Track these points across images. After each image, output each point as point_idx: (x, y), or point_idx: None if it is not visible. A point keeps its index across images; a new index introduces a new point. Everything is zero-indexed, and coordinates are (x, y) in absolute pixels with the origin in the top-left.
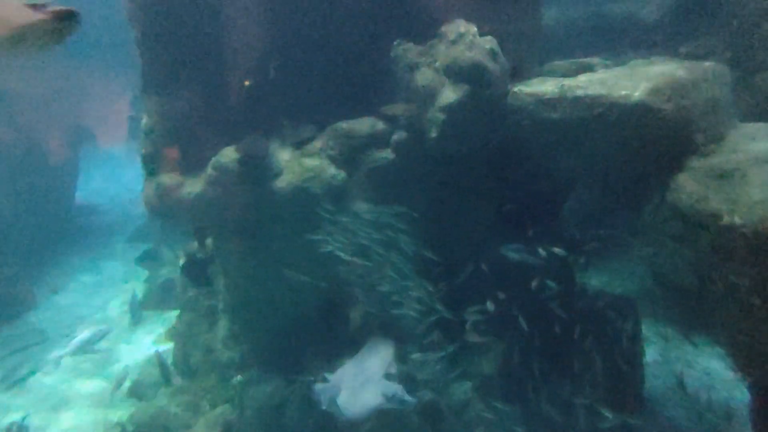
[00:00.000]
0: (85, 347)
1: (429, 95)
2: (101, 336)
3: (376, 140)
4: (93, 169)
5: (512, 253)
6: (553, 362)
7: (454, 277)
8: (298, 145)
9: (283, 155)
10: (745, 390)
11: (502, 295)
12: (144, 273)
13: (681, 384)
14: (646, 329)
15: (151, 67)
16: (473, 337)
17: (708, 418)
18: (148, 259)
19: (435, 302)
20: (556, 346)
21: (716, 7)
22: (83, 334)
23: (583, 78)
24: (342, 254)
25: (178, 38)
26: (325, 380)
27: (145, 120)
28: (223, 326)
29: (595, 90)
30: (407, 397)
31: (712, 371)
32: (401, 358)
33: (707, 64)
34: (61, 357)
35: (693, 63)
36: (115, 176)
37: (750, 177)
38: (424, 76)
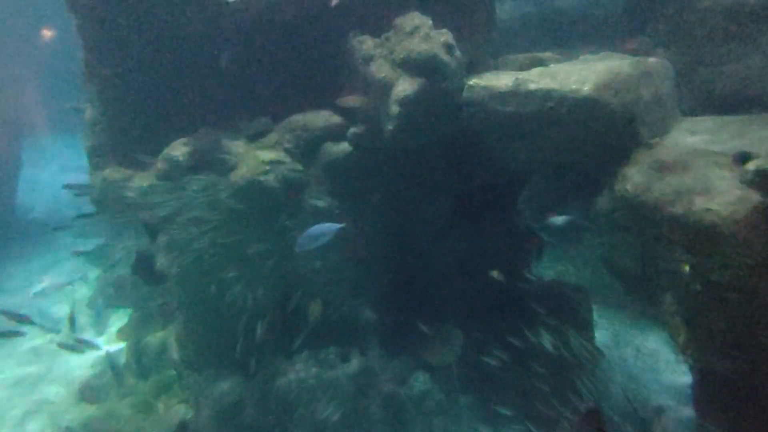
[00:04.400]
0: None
1: (385, 88)
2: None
3: (333, 133)
4: (40, 161)
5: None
6: (509, 350)
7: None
8: (253, 138)
9: (238, 148)
10: (689, 372)
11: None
12: (93, 270)
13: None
14: (598, 315)
15: (94, 56)
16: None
17: (653, 399)
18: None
19: None
20: (514, 335)
21: (661, 6)
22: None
23: (535, 72)
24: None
25: (123, 25)
26: None
27: (88, 111)
28: (177, 324)
29: (546, 84)
30: None
31: (659, 354)
32: (363, 352)
33: (652, 59)
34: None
35: (639, 59)
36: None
37: (691, 169)
38: (379, 69)
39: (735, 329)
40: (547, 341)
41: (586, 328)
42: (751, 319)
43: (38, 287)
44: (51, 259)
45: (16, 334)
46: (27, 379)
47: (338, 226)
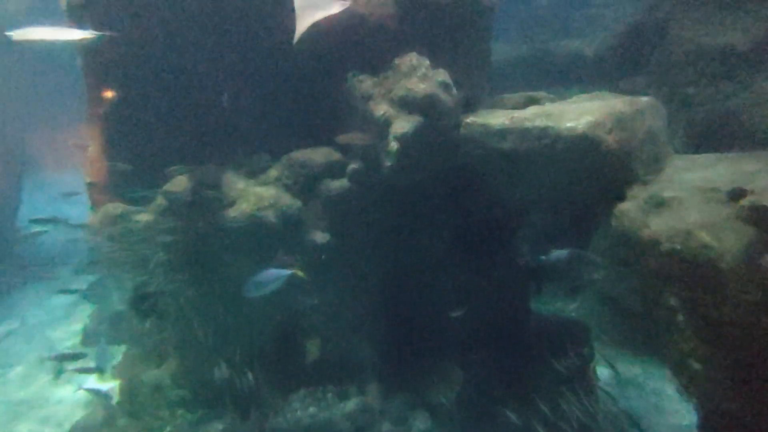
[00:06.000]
0: None
1: (383, 125)
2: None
3: (332, 169)
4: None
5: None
6: (509, 388)
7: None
8: (253, 174)
9: (237, 184)
10: (694, 411)
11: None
12: (90, 307)
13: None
14: (599, 353)
15: (98, 94)
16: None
17: None
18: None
19: None
20: (513, 372)
21: (652, 47)
22: None
23: (530, 110)
24: None
25: (127, 64)
26: None
27: (91, 148)
28: (172, 362)
29: (542, 122)
30: None
31: (663, 393)
32: (361, 390)
33: (644, 98)
34: None
35: (631, 98)
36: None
37: (686, 205)
38: (378, 107)
39: (739, 367)
40: (575, 409)
41: (587, 365)
42: (754, 356)
43: None
44: (48, 294)
45: (94, 370)
46: (17, 418)
47: (288, 272)
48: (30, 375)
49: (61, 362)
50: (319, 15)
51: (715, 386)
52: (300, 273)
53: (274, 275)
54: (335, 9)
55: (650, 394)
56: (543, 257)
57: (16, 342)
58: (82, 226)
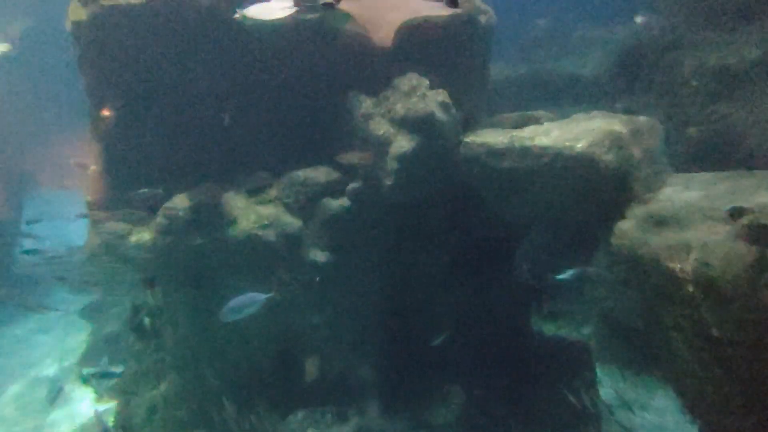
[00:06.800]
0: None
1: (383, 145)
2: None
3: (332, 188)
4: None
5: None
6: (511, 409)
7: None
8: (253, 192)
9: (238, 203)
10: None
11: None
12: (87, 325)
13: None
14: (601, 372)
15: (100, 112)
16: None
17: None
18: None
19: None
20: (515, 393)
21: (648, 67)
22: None
23: (529, 129)
24: None
25: (130, 84)
26: None
27: (92, 167)
28: (170, 382)
29: (541, 141)
30: None
31: (666, 413)
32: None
33: (641, 118)
34: None
35: (629, 117)
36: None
37: (686, 224)
38: (378, 126)
39: (742, 386)
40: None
41: (589, 386)
42: (756, 375)
43: None
44: (45, 317)
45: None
46: None
47: (264, 296)
48: (24, 396)
49: (99, 380)
50: (265, 17)
51: (717, 405)
52: (278, 296)
53: (251, 299)
54: (280, 14)
55: (653, 413)
56: (559, 276)
57: (8, 364)
58: (45, 251)
